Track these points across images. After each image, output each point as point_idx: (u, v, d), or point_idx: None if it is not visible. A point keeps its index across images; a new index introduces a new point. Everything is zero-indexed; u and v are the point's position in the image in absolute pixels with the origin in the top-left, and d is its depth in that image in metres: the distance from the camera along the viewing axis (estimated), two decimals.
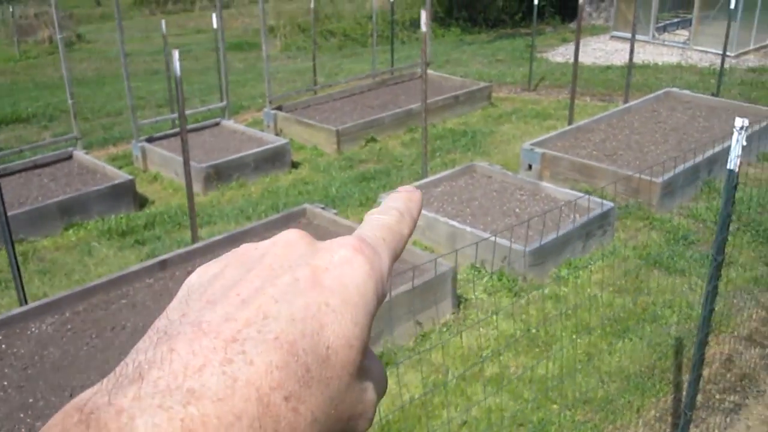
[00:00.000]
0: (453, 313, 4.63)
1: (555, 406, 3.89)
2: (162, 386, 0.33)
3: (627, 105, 7.72)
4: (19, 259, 6.10)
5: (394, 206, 0.49)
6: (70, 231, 6.52)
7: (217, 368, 0.34)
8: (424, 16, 5.49)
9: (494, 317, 4.57)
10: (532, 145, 6.59)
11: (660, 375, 4.07)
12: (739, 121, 2.72)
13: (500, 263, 5.03)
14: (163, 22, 8.32)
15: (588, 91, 9.80)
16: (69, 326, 4.22)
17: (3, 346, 4.08)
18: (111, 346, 4.05)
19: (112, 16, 22.25)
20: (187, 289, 0.40)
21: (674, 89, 8.21)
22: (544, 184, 5.91)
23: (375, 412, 0.43)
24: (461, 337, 4.30)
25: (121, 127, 9.83)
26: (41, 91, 13.93)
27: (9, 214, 6.30)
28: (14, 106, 12.09)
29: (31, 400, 3.68)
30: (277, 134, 8.43)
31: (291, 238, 0.43)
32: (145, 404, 0.32)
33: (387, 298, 4.02)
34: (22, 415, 3.58)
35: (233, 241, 4.92)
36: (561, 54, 12.23)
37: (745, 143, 2.76)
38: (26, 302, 4.38)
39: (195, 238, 4.95)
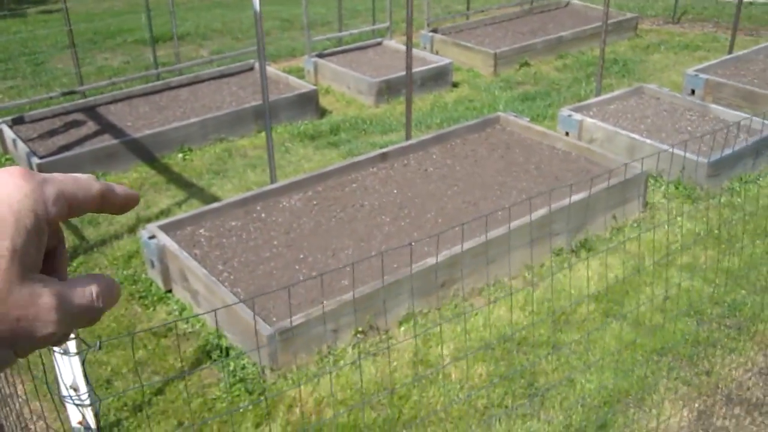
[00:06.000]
0: (642, 212, 5.17)
1: (744, 292, 4.42)
2: None
3: None
4: (225, 154, 6.90)
5: (104, 181, 0.57)
6: (263, 133, 7.24)
7: None
8: None
9: (679, 218, 5.10)
10: (695, 71, 6.97)
11: None
12: None
13: (678, 173, 5.52)
14: None
15: (731, 25, 9.96)
16: (314, 202, 4.94)
17: (263, 215, 4.83)
18: (355, 219, 4.76)
19: None
20: None
21: None
22: (713, 106, 6.32)
23: (57, 320, 0.49)
24: (653, 232, 4.85)
25: (271, 45, 10.49)
26: (186, 12, 14.70)
27: (210, 115, 7.11)
28: (164, 27, 12.88)
29: (301, 256, 4.41)
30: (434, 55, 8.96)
31: None
32: None
33: (584, 196, 4.59)
34: (297, 267, 4.32)
35: (440, 139, 5.56)
36: None
37: None
38: (275, 180, 5.11)
39: (409, 135, 5.59)
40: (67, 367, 1.23)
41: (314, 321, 3.77)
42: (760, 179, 5.71)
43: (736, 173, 5.66)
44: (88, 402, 1.24)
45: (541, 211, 4.57)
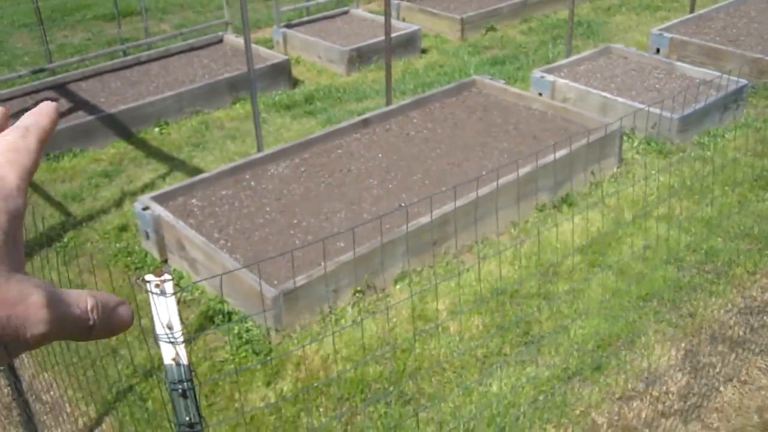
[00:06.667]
0: (618, 168, 5.36)
1: (720, 239, 4.64)
2: None
3: None
4: (202, 126, 6.93)
5: (21, 123, 0.54)
6: (237, 105, 7.28)
7: None
8: None
9: (654, 172, 5.30)
10: (660, 30, 7.16)
11: None
12: None
13: (650, 130, 5.71)
14: None
15: None
16: (302, 169, 5.03)
17: (252, 183, 4.91)
18: (344, 183, 4.86)
19: None
20: None
21: None
22: (679, 63, 6.52)
23: (48, 319, 0.48)
24: (633, 186, 5.04)
25: (235, 18, 10.43)
26: None
27: (185, 89, 7.13)
28: (123, 1, 12.68)
29: (294, 221, 4.51)
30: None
31: None
32: None
33: (564, 153, 4.75)
34: (292, 232, 4.42)
35: (419, 104, 5.67)
36: None
37: None
38: (262, 149, 5.18)
39: (389, 101, 5.69)
40: (164, 307, 1.33)
41: (315, 282, 3.88)
42: (727, 133, 5.93)
43: (704, 128, 5.87)
44: (181, 339, 1.34)
45: (525, 170, 4.72)
